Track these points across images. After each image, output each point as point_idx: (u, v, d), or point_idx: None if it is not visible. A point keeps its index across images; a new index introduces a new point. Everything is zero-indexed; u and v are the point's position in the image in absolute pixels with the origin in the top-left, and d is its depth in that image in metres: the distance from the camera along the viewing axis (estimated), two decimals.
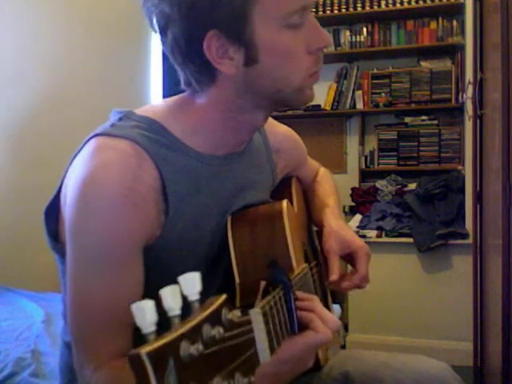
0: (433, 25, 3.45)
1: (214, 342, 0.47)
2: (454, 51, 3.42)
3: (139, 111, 0.86)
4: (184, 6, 0.75)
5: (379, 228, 3.16)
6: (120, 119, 0.83)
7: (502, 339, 1.92)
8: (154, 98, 3.41)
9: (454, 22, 3.39)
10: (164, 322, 0.45)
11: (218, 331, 0.48)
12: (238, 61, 0.79)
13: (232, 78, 0.80)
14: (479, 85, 2.44)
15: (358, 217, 3.35)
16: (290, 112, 3.62)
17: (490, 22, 2.33)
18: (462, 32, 3.26)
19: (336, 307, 2.11)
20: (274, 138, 1.06)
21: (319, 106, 3.63)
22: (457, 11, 3.33)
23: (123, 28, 3.20)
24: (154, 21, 0.80)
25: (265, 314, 0.60)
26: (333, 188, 1.21)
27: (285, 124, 1.13)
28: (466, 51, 2.98)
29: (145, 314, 0.44)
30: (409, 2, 3.40)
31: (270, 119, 1.08)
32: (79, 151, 0.81)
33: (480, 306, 2.51)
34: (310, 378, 0.94)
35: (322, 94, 3.64)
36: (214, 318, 0.48)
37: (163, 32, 0.80)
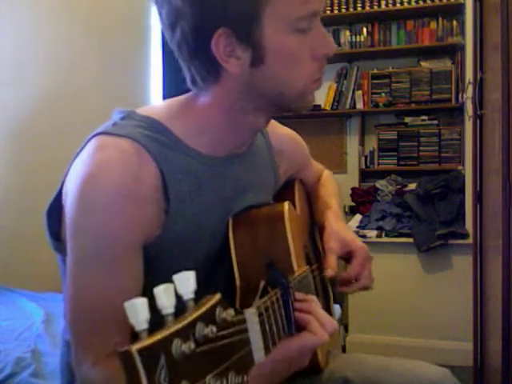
0: (433, 25, 3.45)
1: (206, 341, 0.47)
2: (454, 51, 3.42)
3: (141, 111, 0.86)
4: (197, 0, 0.75)
5: (379, 228, 3.16)
6: (122, 118, 0.83)
7: (501, 339, 1.92)
8: (154, 98, 3.41)
9: (454, 22, 3.39)
10: (159, 320, 0.46)
11: (211, 330, 0.48)
12: (245, 61, 0.79)
13: (236, 78, 0.80)
14: (479, 85, 2.44)
15: (358, 217, 3.35)
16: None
17: (489, 22, 2.33)
18: (462, 32, 3.26)
19: (336, 307, 2.12)
20: (277, 140, 1.06)
21: (319, 106, 3.63)
22: (457, 11, 3.33)
23: (123, 28, 3.20)
24: (164, 16, 0.80)
25: (260, 315, 0.60)
26: (335, 190, 1.22)
27: (285, 124, 1.13)
28: (466, 51, 2.98)
29: (137, 311, 0.44)
30: (409, 2, 3.40)
31: (273, 121, 1.08)
32: (81, 150, 0.81)
33: (480, 305, 2.51)
34: (310, 381, 0.94)
35: (322, 94, 3.64)
36: (208, 317, 0.48)
37: (172, 27, 0.79)
